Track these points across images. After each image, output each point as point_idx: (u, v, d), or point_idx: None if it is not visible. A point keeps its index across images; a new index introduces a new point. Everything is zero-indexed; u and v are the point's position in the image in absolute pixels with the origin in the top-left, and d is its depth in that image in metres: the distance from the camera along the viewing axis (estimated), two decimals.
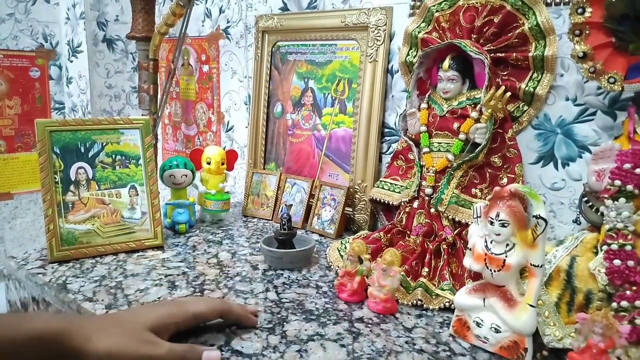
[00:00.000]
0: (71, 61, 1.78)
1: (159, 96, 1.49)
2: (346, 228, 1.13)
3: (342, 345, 0.67)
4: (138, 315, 0.63)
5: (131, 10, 1.46)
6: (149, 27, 1.45)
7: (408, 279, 0.81)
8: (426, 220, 0.91)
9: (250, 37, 1.40)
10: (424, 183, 0.92)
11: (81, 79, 1.75)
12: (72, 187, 0.95)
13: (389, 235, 0.94)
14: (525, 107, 0.90)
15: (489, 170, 0.89)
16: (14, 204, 1.72)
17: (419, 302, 0.79)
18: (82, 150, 0.97)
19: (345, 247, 0.94)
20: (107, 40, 1.74)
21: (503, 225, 0.64)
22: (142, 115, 1.47)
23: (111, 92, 1.77)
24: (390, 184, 1.02)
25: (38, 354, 0.54)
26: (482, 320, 0.67)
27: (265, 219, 1.24)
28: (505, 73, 0.91)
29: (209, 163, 1.17)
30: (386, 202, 1.01)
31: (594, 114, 0.84)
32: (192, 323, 0.66)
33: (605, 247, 0.65)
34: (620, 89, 0.71)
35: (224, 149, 1.20)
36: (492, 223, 0.65)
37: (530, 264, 0.63)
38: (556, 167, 0.89)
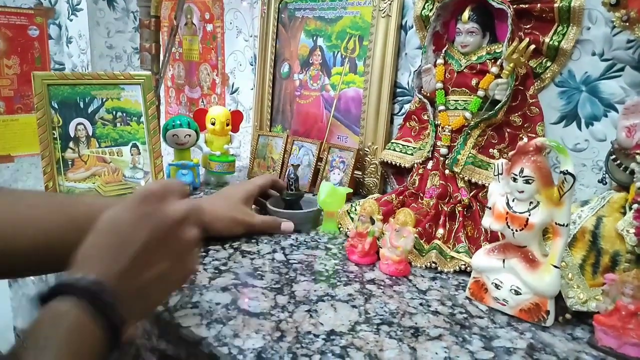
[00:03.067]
0: (71, 20, 1.72)
1: (162, 56, 1.44)
2: (355, 192, 1.10)
3: (354, 306, 0.64)
4: (233, 192, 0.85)
5: None
6: None
7: (422, 241, 0.78)
8: (440, 182, 0.87)
9: None
10: (439, 143, 0.88)
11: (81, 38, 1.70)
12: (71, 144, 0.92)
13: (401, 197, 0.91)
14: (549, 63, 0.85)
15: (509, 130, 0.84)
16: (14, 166, 1.69)
17: (433, 264, 0.76)
18: (82, 105, 0.93)
19: (355, 210, 0.90)
20: None
21: (527, 182, 0.60)
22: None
23: (112, 53, 1.72)
24: (403, 145, 0.98)
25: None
26: (501, 282, 0.64)
27: None
28: (528, 26, 0.85)
29: (213, 124, 1.13)
30: (398, 164, 0.97)
31: (622, 69, 0.79)
32: (259, 192, 0.89)
33: (635, 206, 0.61)
34: None
35: (229, 110, 1.16)
36: (515, 180, 0.61)
37: (556, 223, 0.59)
38: (579, 127, 0.84)
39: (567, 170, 0.58)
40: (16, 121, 1.67)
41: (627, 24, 0.68)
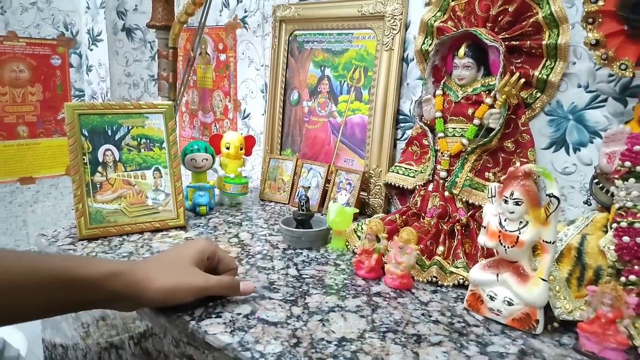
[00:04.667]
0: (91, 49, 1.82)
1: (178, 84, 1.53)
2: (361, 212, 1.17)
3: (362, 316, 0.71)
4: (181, 254, 0.71)
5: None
6: (169, 16, 1.48)
7: (423, 257, 0.85)
8: (440, 202, 0.94)
9: (268, 26, 1.43)
10: (438, 167, 0.95)
11: (101, 67, 1.79)
12: (99, 168, 0.99)
13: (404, 217, 0.98)
14: (538, 94, 0.93)
15: (502, 155, 0.92)
16: (35, 188, 1.77)
17: (434, 279, 0.82)
18: (109, 133, 1.01)
19: (362, 229, 0.97)
20: (127, 29, 1.78)
21: (517, 204, 0.67)
22: (163, 101, 1.51)
23: (130, 80, 1.81)
24: (405, 168, 1.05)
25: (105, 291, 0.61)
26: (495, 294, 0.70)
27: (282, 203, 1.28)
28: (519, 61, 0.93)
29: (227, 148, 1.21)
30: (401, 186, 1.04)
31: (605, 100, 0.87)
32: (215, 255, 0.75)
33: (615, 225, 0.68)
34: (632, 75, 0.74)
35: (242, 135, 1.24)
36: (506, 202, 0.68)
37: (543, 241, 0.67)
38: (567, 152, 0.92)
39: (552, 194, 0.65)
40: (38, 145, 1.76)
41: (606, 61, 0.76)
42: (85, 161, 0.98)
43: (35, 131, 1.75)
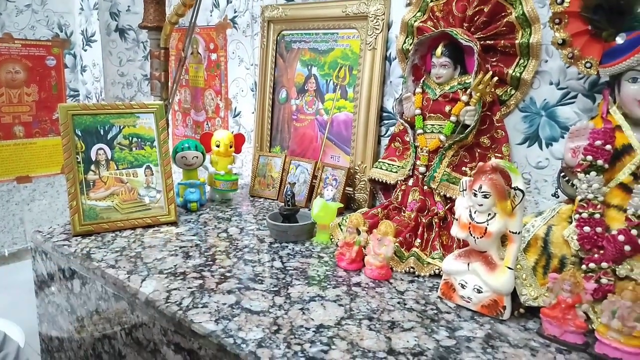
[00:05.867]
0: (85, 50, 1.85)
1: (170, 83, 1.56)
2: (347, 207, 1.21)
3: (341, 305, 0.75)
4: None
5: (143, 0, 1.53)
6: (160, 17, 1.51)
7: (402, 249, 0.89)
8: (420, 196, 0.98)
9: (257, 26, 1.46)
10: (418, 162, 0.99)
11: (95, 67, 1.83)
12: (92, 167, 1.03)
13: (385, 211, 1.02)
14: (513, 91, 0.97)
15: (478, 150, 0.95)
16: (32, 186, 1.81)
17: (412, 269, 0.86)
18: (102, 132, 1.05)
19: (346, 222, 1.01)
20: (120, 29, 1.81)
21: (485, 197, 0.71)
22: (155, 101, 1.55)
23: (123, 80, 1.85)
24: (388, 164, 1.09)
25: None
26: (466, 282, 0.74)
27: (271, 199, 1.32)
28: (494, 59, 0.97)
29: (218, 146, 1.25)
30: (384, 181, 1.08)
31: (575, 97, 0.90)
32: None
33: (577, 216, 0.72)
34: (596, 73, 0.78)
35: (232, 133, 1.28)
36: (475, 195, 0.72)
37: (510, 231, 0.70)
38: (540, 147, 0.95)
39: (517, 187, 0.69)
40: (34, 144, 1.80)
41: (572, 60, 0.80)
42: (79, 160, 1.02)
43: (31, 131, 1.79)
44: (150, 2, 1.51)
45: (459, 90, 0.95)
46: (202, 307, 0.73)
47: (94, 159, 1.04)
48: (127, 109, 1.07)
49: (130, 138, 1.07)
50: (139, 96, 1.89)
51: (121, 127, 1.07)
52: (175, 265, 0.87)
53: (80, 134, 1.02)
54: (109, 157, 1.05)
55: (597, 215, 0.70)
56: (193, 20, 1.42)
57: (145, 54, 1.87)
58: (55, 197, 1.87)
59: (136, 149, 1.08)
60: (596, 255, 0.69)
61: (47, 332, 1.07)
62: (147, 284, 0.80)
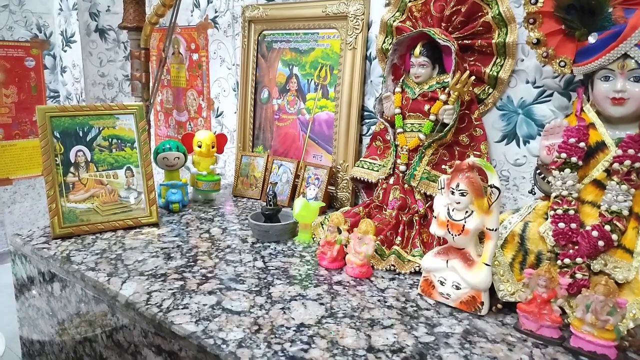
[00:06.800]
0: (65, 51, 1.83)
1: (151, 84, 1.55)
2: (329, 205, 1.21)
3: (322, 304, 0.75)
4: None
5: (122, 1, 1.52)
6: (140, 17, 1.50)
7: (383, 247, 0.90)
8: (400, 195, 0.99)
9: (238, 26, 1.46)
10: (398, 161, 1.00)
11: (75, 68, 1.81)
12: (72, 169, 1.02)
13: (367, 209, 1.02)
14: (490, 90, 0.98)
15: (458, 148, 0.97)
16: (12, 189, 1.79)
17: (392, 267, 0.87)
18: (81, 134, 1.04)
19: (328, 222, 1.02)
20: (100, 30, 1.79)
21: (462, 195, 0.72)
22: (135, 102, 1.54)
23: (104, 81, 1.83)
24: (370, 163, 1.10)
25: None
26: (445, 279, 0.75)
27: (254, 199, 1.32)
28: (472, 59, 0.98)
29: (200, 146, 1.24)
30: (366, 180, 1.08)
31: (551, 95, 0.92)
32: None
33: (552, 212, 0.73)
34: (570, 71, 0.79)
35: (214, 134, 1.27)
36: (453, 193, 0.73)
37: (487, 228, 0.72)
38: (518, 145, 0.97)
39: (493, 185, 0.70)
40: (14, 146, 1.78)
41: (547, 59, 0.81)
42: (58, 162, 1.01)
43: (11, 133, 1.77)
44: (129, 3, 1.49)
45: (437, 89, 0.96)
46: (182, 309, 0.73)
47: (73, 161, 1.03)
48: (106, 110, 1.06)
49: (110, 139, 1.07)
50: (120, 97, 1.88)
51: (100, 128, 1.06)
52: (156, 267, 0.87)
53: (59, 136, 1.01)
54: (89, 159, 1.04)
55: (571, 212, 0.71)
56: (173, 21, 1.42)
57: (126, 55, 1.85)
58: (36, 199, 1.85)
59: (116, 150, 1.07)
60: (571, 251, 0.70)
61: (28, 335, 1.06)
62: (127, 286, 0.80)
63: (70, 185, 1.02)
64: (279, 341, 0.65)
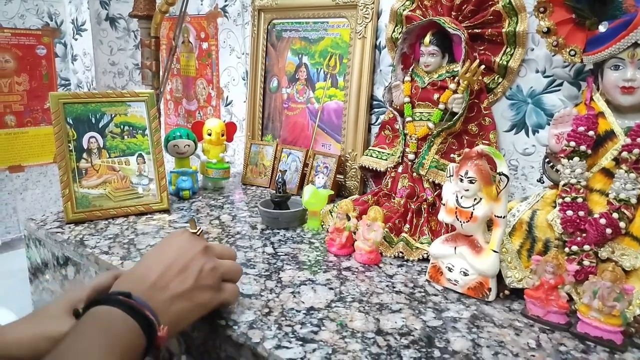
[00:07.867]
0: (76, 39, 1.85)
1: (161, 72, 1.56)
2: (338, 194, 1.22)
3: (331, 288, 0.76)
4: (49, 306, 0.62)
5: None
6: (151, 5, 1.51)
7: (391, 234, 0.91)
8: (409, 183, 0.99)
9: (247, 15, 1.47)
10: (407, 150, 1.00)
11: (86, 56, 1.82)
12: (84, 155, 1.04)
13: (375, 197, 1.03)
14: (500, 79, 0.98)
15: (466, 137, 0.97)
16: (25, 176, 1.81)
17: (400, 254, 0.88)
18: (93, 121, 1.05)
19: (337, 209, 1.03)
20: (110, 18, 1.80)
21: (471, 182, 0.73)
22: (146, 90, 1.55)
23: (114, 69, 1.84)
24: (378, 152, 1.11)
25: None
26: (453, 266, 0.76)
27: (263, 187, 1.33)
28: (481, 48, 0.99)
29: (209, 134, 1.26)
30: (374, 168, 1.09)
31: (561, 84, 0.92)
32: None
33: (560, 200, 0.74)
34: (580, 60, 0.79)
35: (223, 122, 1.28)
36: (461, 180, 0.74)
37: (495, 215, 0.72)
38: (527, 134, 0.97)
39: (501, 172, 0.71)
40: (26, 133, 1.80)
41: (557, 48, 0.81)
42: (71, 148, 1.03)
43: (23, 120, 1.79)
44: None
45: (447, 78, 0.96)
46: None
47: (85, 147, 1.04)
48: (118, 98, 1.08)
49: (122, 126, 1.08)
50: (131, 85, 1.89)
51: (112, 115, 1.07)
52: None
53: (71, 123, 1.03)
54: (101, 146, 1.06)
55: (579, 200, 0.72)
56: (183, 9, 1.42)
57: (136, 43, 1.86)
58: (47, 187, 1.87)
59: (128, 137, 1.08)
60: (579, 238, 0.71)
61: None
62: None
63: (83, 171, 1.03)
64: (290, 323, 0.66)
